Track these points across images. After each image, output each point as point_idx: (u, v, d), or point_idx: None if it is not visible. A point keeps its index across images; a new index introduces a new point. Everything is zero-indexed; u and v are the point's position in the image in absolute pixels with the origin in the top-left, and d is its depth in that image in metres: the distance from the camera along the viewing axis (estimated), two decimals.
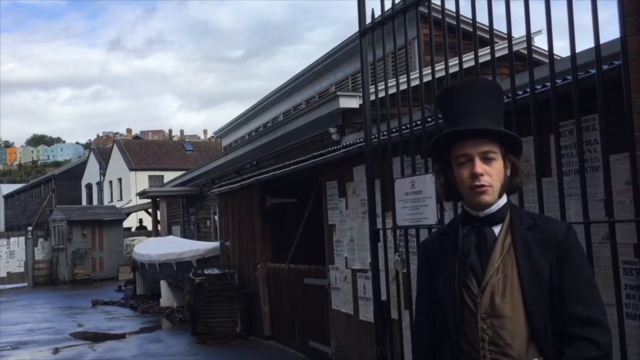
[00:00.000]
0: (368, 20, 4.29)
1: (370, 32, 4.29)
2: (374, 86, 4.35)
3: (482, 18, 3.45)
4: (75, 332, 11.71)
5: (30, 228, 25.48)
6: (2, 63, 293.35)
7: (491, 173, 1.84)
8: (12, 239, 23.90)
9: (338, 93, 10.28)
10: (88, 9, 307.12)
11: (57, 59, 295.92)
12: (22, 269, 23.37)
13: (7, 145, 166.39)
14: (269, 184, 9.50)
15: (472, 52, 3.56)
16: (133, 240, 23.18)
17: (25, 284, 22.97)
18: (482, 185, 1.83)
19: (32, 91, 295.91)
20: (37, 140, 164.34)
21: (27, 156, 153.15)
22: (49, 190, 47.92)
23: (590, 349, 1.73)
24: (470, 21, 3.51)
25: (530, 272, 1.79)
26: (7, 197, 64.43)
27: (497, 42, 3.75)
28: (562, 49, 21.90)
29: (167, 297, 13.92)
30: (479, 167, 1.83)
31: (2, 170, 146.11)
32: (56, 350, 9.90)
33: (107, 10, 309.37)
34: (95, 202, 44.00)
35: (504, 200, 1.88)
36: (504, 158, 1.87)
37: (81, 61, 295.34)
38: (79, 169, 50.20)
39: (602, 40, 2.86)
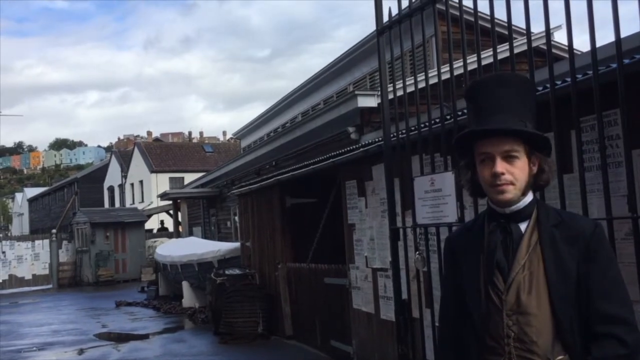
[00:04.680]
0: (385, 19, 4.29)
1: (387, 30, 4.29)
2: (392, 85, 4.34)
3: (500, 14, 3.43)
4: (99, 332, 11.87)
5: (54, 231, 25.85)
6: (31, 67, 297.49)
7: (513, 172, 1.83)
8: (36, 242, 24.28)
9: (356, 92, 10.28)
10: (117, 11, 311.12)
11: (85, 62, 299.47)
12: (46, 271, 23.73)
13: (31, 149, 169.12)
14: (288, 184, 9.53)
15: (491, 49, 3.54)
16: (155, 241, 23.43)
17: (50, 286, 23.32)
18: (503, 184, 1.83)
19: (61, 94, 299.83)
20: (59, 144, 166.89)
21: (50, 160, 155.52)
22: (72, 193, 48.57)
23: (616, 346, 1.72)
24: (488, 17, 3.50)
25: (557, 269, 1.78)
26: (31, 201, 65.49)
27: (516, 38, 3.72)
28: (582, 44, 21.61)
29: (189, 298, 14.04)
30: (500, 166, 1.83)
31: (26, 174, 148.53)
32: (81, 351, 10.04)
33: (135, 12, 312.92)
34: (117, 204, 44.48)
35: (529, 197, 1.88)
36: (529, 156, 1.85)
37: (109, 63, 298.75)
38: (101, 171, 50.81)
39: (622, 35, 2.82)
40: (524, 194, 1.86)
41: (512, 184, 1.83)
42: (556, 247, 1.80)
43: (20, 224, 70.68)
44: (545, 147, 1.88)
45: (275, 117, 22.79)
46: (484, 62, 3.66)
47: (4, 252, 23.24)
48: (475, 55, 3.59)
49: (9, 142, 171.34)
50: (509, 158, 1.83)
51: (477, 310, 1.87)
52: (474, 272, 1.90)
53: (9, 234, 62.37)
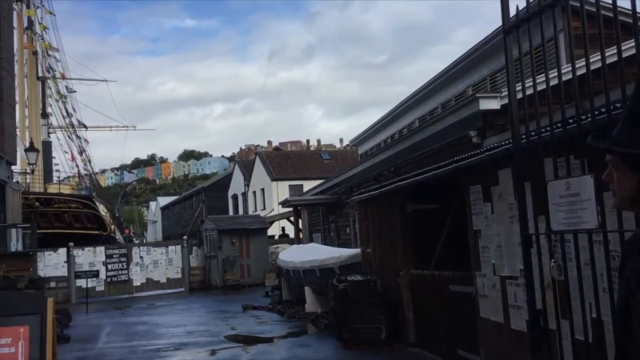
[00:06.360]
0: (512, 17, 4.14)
1: (514, 30, 4.14)
2: (519, 85, 4.18)
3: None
4: (228, 334, 12.42)
5: (185, 237, 27.46)
6: (164, 83, 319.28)
7: (613, 182, 1.80)
8: (170, 247, 25.91)
9: (477, 95, 10.00)
10: (240, 26, 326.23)
11: (212, 76, 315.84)
12: (179, 275, 25.24)
13: (162, 160, 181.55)
14: (408, 190, 9.45)
15: (631, 41, 3.30)
16: (277, 247, 24.15)
17: (182, 289, 24.78)
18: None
19: (189, 108, 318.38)
20: (187, 155, 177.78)
21: (179, 170, 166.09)
22: (199, 202, 51.41)
23: None
24: (624, 10, 3.26)
25: None
26: (163, 209, 70.23)
27: None
28: None
29: (311, 303, 14.31)
30: (605, 174, 1.83)
31: (158, 184, 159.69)
32: (213, 352, 10.56)
33: (258, 26, 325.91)
34: (240, 211, 46.50)
35: None
36: (629, 169, 1.73)
37: (234, 76, 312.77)
38: (225, 180, 53.40)
39: None
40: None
41: (614, 192, 1.80)
42: None
43: (154, 231, 75.99)
44: None
45: (391, 123, 22.72)
46: (624, 55, 3.42)
47: (141, 257, 25.02)
48: (614, 47, 3.37)
49: (143, 155, 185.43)
50: (614, 168, 1.79)
51: (618, 321, 1.79)
52: (623, 277, 1.82)
53: (144, 240, 67.21)
